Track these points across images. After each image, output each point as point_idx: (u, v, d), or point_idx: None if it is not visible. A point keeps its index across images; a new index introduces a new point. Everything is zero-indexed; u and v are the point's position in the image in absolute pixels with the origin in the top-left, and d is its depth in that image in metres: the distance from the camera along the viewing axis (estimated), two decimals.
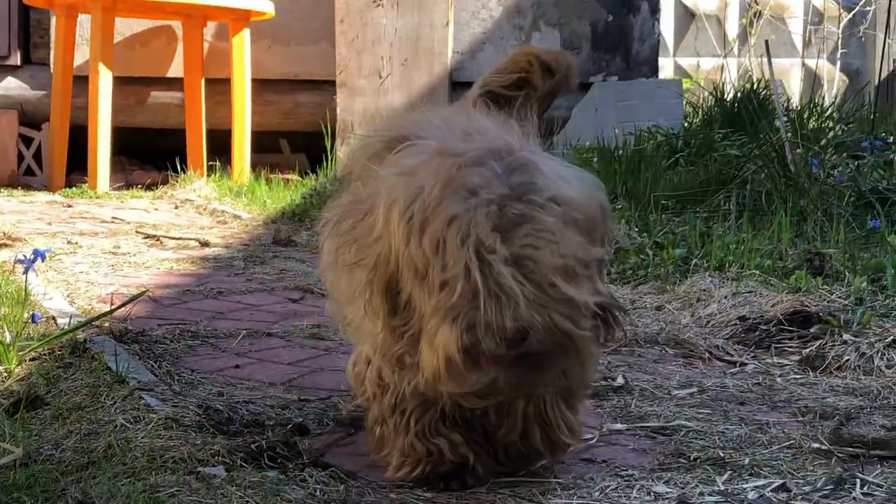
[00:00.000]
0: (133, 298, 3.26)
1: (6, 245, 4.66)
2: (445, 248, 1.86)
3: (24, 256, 2.98)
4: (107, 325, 3.28)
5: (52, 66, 7.34)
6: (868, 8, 10.31)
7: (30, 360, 2.95)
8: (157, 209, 6.22)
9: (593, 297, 1.94)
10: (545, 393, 2.14)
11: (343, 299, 2.26)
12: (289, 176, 7.21)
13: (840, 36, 10.11)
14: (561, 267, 1.86)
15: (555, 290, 1.85)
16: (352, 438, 2.54)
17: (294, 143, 7.79)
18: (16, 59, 7.80)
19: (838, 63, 10.35)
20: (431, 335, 1.89)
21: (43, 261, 3.20)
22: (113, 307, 3.18)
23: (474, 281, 1.82)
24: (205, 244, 5.13)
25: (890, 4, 9.96)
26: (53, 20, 7.29)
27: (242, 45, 7.15)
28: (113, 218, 5.79)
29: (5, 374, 2.85)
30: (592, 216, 1.97)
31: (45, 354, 2.99)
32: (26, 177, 7.58)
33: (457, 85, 7.14)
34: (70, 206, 6.24)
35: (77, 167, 7.20)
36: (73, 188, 6.92)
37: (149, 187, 7.07)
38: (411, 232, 1.91)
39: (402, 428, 2.19)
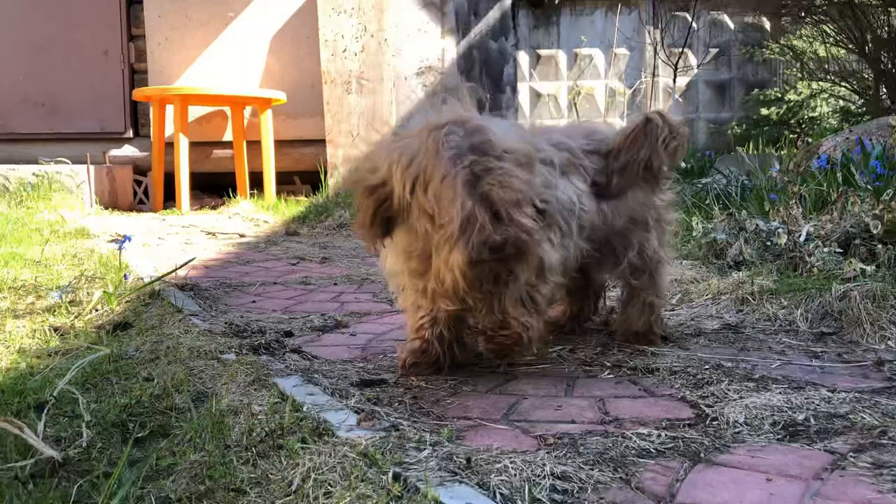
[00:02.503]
0: (185, 263, 3.24)
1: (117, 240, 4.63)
2: (441, 200, 1.74)
3: (119, 239, 2.97)
4: (173, 281, 3.26)
5: (151, 137, 7.23)
6: (641, 87, 10.48)
7: (125, 302, 2.93)
8: (217, 220, 6.16)
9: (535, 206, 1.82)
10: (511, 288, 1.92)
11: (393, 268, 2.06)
12: (299, 197, 7.18)
13: (626, 104, 10.27)
14: (514, 200, 1.75)
15: (513, 215, 1.74)
16: (320, 339, 2.53)
17: (302, 178, 7.74)
18: (130, 133, 7.70)
19: (626, 121, 10.56)
20: (444, 258, 1.77)
21: (129, 242, 3.17)
22: (173, 269, 3.16)
23: (468, 216, 1.70)
24: (242, 236, 5.10)
25: (652, 84, 10.12)
26: (151, 109, 7.20)
27: (268, 119, 7.10)
28: (189, 225, 5.74)
29: (109, 311, 2.82)
30: (530, 156, 1.85)
31: (134, 299, 2.96)
32: (139, 205, 7.50)
33: None
34: (164, 220, 6.17)
35: (169, 198, 7.11)
36: (167, 210, 6.83)
37: (213, 207, 6.99)
38: (415, 185, 1.78)
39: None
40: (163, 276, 3.07)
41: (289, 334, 2.54)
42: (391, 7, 7.30)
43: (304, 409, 1.71)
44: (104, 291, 2.82)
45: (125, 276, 3.04)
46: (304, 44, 7.43)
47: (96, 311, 2.81)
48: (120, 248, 3.02)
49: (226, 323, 2.61)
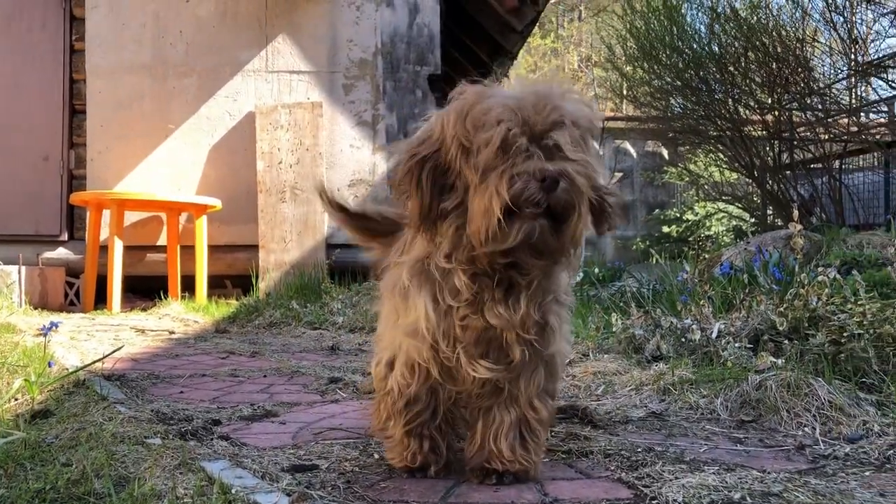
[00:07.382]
0: (112, 352, 3.00)
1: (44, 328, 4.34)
2: (478, 123, 1.41)
3: (45, 326, 2.73)
4: (100, 372, 3.02)
5: (86, 240, 6.98)
6: None
7: (48, 391, 2.67)
8: (147, 319, 5.87)
9: (596, 179, 1.45)
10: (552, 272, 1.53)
11: (380, 318, 1.77)
12: (231, 300, 6.96)
13: None
14: (575, 140, 1.42)
15: (577, 156, 1.41)
16: (249, 428, 2.34)
17: (234, 282, 7.52)
18: (65, 236, 7.43)
19: None
20: (482, 193, 1.38)
21: (56, 328, 2.92)
22: (100, 357, 2.92)
23: (506, 136, 1.38)
24: (171, 333, 4.84)
25: None
26: (88, 213, 6.96)
27: (202, 225, 6.94)
28: (119, 324, 5.44)
29: (30, 400, 2.57)
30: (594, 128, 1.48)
31: (58, 388, 2.71)
32: (70, 306, 7.15)
33: (329, 246, 7.07)
34: (94, 319, 5.85)
35: (101, 300, 6.78)
36: (97, 311, 6.50)
37: (144, 309, 6.69)
38: (458, 118, 1.43)
39: (399, 423, 1.72)
40: (89, 365, 2.83)
41: (217, 423, 2.33)
42: (326, 124, 7.34)
43: (233, 491, 1.53)
44: (25, 380, 2.56)
45: (49, 363, 2.79)
46: (241, 155, 7.36)
47: (15, 400, 2.54)
48: (45, 335, 2.78)
49: (152, 411, 2.39)
